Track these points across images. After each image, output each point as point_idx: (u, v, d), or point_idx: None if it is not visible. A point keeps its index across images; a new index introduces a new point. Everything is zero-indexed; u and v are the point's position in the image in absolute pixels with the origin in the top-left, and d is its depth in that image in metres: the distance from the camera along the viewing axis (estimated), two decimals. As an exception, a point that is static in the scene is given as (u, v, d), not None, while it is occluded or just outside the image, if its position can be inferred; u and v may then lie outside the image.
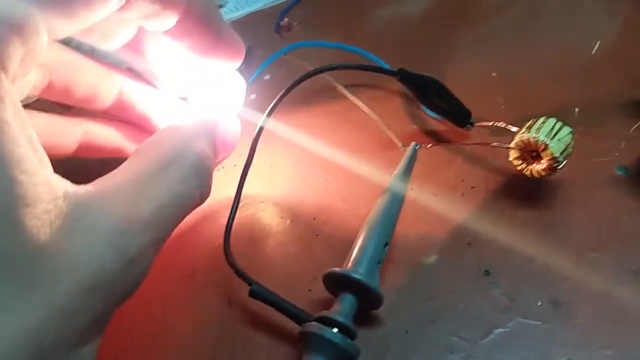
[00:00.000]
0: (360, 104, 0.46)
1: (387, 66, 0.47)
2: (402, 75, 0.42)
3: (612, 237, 0.38)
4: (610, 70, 0.50)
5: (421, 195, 0.42)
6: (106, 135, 0.38)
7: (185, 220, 0.29)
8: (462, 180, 0.42)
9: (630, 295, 0.35)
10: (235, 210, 0.38)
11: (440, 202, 0.41)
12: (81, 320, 0.22)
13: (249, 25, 0.63)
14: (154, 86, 0.39)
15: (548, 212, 0.40)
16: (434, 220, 0.40)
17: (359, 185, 0.42)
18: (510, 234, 0.39)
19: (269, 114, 0.39)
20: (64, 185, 0.24)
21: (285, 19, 0.61)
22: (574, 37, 0.54)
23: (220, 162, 0.38)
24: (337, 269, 0.34)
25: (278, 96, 0.39)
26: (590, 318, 0.34)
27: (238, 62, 0.35)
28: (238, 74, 0.38)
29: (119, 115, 0.38)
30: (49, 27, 0.24)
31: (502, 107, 0.47)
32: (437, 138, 0.46)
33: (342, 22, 0.62)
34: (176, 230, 0.29)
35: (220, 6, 0.65)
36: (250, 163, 0.39)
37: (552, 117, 0.38)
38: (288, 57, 0.48)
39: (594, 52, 0.42)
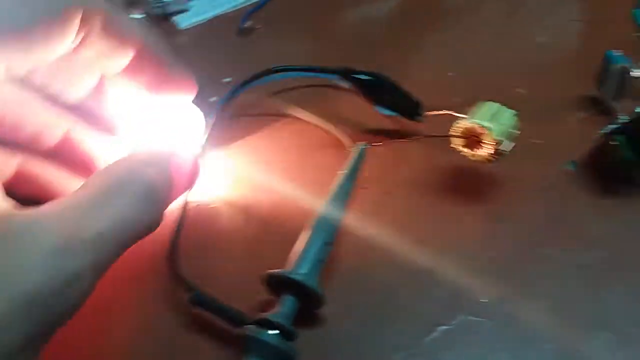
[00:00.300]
0: (303, 112, 0.46)
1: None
2: (345, 73, 0.42)
3: (560, 231, 0.38)
4: (564, 67, 0.50)
5: (372, 194, 0.42)
6: (45, 174, 0.36)
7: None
8: (414, 177, 0.42)
9: (576, 290, 0.35)
10: (183, 215, 0.38)
11: (391, 200, 0.41)
12: (13, 338, 0.22)
13: (213, 29, 0.63)
14: (112, 133, 0.38)
15: (497, 207, 0.40)
16: (384, 219, 0.40)
17: (311, 187, 0.42)
18: (458, 229, 0.39)
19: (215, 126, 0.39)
20: (7, 205, 0.24)
21: (248, 22, 0.60)
22: (530, 35, 0.54)
23: (179, 194, 0.36)
24: (275, 270, 0.34)
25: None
26: (534, 314, 0.34)
27: (191, 96, 0.35)
28: (196, 108, 0.37)
29: (62, 155, 0.37)
30: (5, 63, 0.25)
31: (455, 104, 0.47)
32: (390, 135, 0.46)
33: (307, 25, 0.62)
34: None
35: (185, 10, 0.65)
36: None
37: (493, 101, 0.38)
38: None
39: (537, 44, 0.42)
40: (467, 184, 0.41)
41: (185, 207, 0.39)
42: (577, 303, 0.34)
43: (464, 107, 0.41)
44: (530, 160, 0.41)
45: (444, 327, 0.34)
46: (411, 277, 0.36)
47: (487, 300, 0.35)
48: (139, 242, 0.39)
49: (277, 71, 0.41)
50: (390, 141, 0.44)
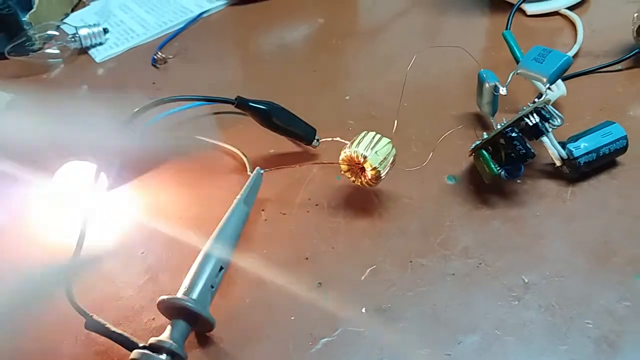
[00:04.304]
0: (209, 139, 0.49)
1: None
2: (239, 102, 0.44)
3: (435, 242, 0.41)
4: (451, 87, 0.53)
5: (270, 216, 0.44)
6: None
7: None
8: (309, 199, 0.45)
9: (447, 297, 0.38)
10: (80, 248, 0.40)
11: (287, 221, 0.44)
12: None
13: (127, 60, 0.65)
14: None
15: (381, 223, 0.42)
16: (279, 239, 0.42)
17: (213, 213, 0.43)
18: (345, 245, 0.41)
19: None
20: None
21: (160, 54, 0.62)
22: (424, 58, 0.57)
23: None
24: (165, 297, 0.35)
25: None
26: (410, 322, 0.37)
27: None
28: None
29: None
30: None
31: (350, 129, 0.50)
32: (288, 160, 0.48)
33: (218, 54, 0.65)
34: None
35: (100, 43, 0.66)
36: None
37: (372, 130, 0.41)
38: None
39: (409, 67, 0.45)
40: (356, 203, 0.44)
41: (82, 237, 0.40)
42: (448, 309, 0.37)
43: (357, 129, 0.43)
44: (414, 177, 0.44)
45: (326, 339, 0.36)
46: (300, 293, 0.39)
47: (366, 311, 0.37)
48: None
49: (170, 100, 0.43)
50: (287, 165, 0.47)
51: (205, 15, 0.70)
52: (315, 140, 0.47)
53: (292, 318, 0.37)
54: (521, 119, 0.40)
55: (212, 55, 0.64)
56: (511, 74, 0.44)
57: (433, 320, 0.37)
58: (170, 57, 0.63)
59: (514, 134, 0.40)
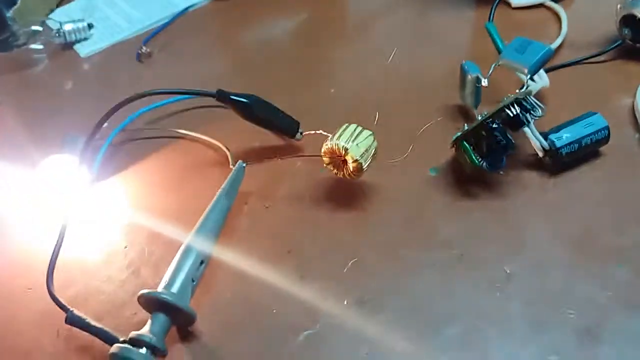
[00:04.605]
0: (192, 133, 0.49)
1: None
2: (220, 95, 0.44)
3: (416, 233, 0.41)
4: (438, 79, 0.53)
5: (253, 209, 0.44)
6: None
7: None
8: (292, 192, 0.45)
9: (429, 287, 0.38)
10: (61, 243, 0.40)
11: (269, 214, 0.44)
12: None
13: (112, 55, 0.64)
14: None
15: (364, 215, 0.42)
16: (262, 232, 0.42)
17: (195, 207, 0.43)
18: (328, 237, 0.41)
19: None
20: None
21: (144, 48, 0.62)
22: (407, 52, 0.57)
23: None
24: (145, 291, 0.35)
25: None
26: (392, 313, 0.37)
27: None
28: None
29: None
30: None
31: (334, 121, 0.49)
32: (272, 153, 0.48)
33: (203, 48, 0.64)
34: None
35: (85, 38, 0.66)
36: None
37: (353, 123, 0.41)
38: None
39: (389, 61, 0.45)
40: (339, 195, 0.44)
41: (64, 231, 0.40)
42: (429, 300, 0.37)
43: (341, 122, 0.43)
44: (397, 169, 0.44)
45: (309, 332, 0.36)
46: (283, 286, 0.39)
47: (347, 303, 0.37)
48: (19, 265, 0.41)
49: (151, 93, 0.43)
50: (270, 158, 0.47)
51: (190, 9, 0.69)
52: (299, 133, 0.47)
53: (274, 311, 0.37)
54: (502, 110, 0.40)
55: (197, 49, 0.63)
56: (493, 65, 0.45)
57: (415, 312, 0.37)
58: (155, 51, 0.62)
59: (494, 125, 0.40)
